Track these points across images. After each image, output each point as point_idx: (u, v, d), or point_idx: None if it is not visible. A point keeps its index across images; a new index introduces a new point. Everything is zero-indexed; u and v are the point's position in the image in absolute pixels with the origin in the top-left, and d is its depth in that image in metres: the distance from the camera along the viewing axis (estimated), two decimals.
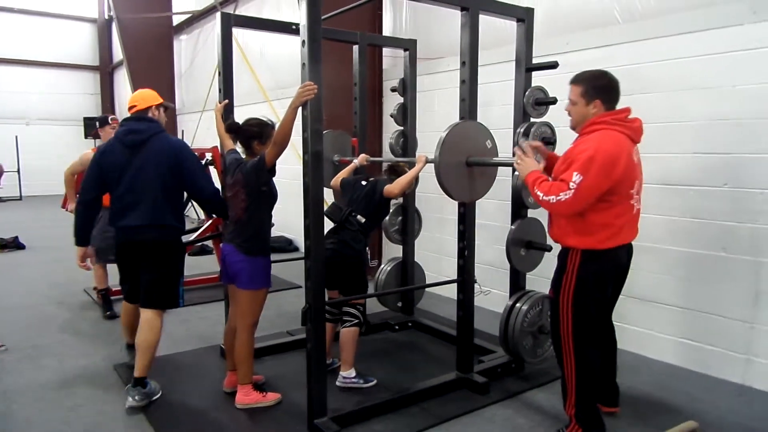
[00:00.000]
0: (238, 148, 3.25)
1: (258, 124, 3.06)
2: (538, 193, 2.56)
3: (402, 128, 4.59)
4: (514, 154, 2.82)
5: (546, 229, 3.01)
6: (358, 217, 3.43)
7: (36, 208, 13.31)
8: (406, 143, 4.57)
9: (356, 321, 3.39)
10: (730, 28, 3.35)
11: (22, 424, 3.02)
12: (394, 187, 3.32)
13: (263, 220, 3.10)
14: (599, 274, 2.60)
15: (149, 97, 3.32)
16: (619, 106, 2.63)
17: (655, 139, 3.73)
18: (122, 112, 16.49)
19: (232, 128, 3.12)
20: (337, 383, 3.37)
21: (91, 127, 16.53)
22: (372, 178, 3.63)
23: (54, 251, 7.78)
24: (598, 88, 2.58)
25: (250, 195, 3.00)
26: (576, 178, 2.42)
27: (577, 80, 2.65)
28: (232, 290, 3.23)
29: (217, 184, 5.36)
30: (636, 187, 2.56)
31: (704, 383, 3.45)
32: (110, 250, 4.85)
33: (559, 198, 2.47)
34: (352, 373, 3.39)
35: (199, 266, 6.79)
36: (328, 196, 3.51)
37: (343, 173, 3.80)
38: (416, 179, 3.52)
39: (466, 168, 2.99)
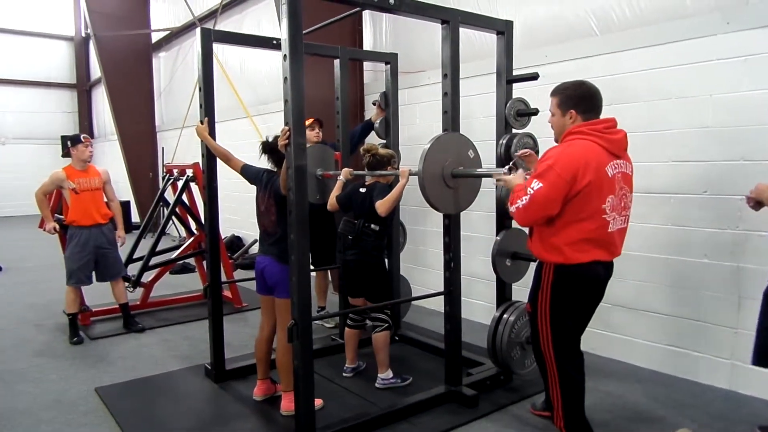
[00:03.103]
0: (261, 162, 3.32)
1: None
2: (510, 206, 2.57)
3: (385, 141, 4.60)
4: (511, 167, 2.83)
5: None
6: (372, 226, 3.49)
7: (12, 228, 13.04)
8: None
9: (386, 325, 3.56)
10: (704, 38, 3.42)
11: None
12: (383, 205, 3.31)
13: None
14: (572, 289, 2.54)
15: None
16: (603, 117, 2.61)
17: (635, 148, 3.75)
18: (100, 130, 16.32)
19: (268, 149, 3.23)
20: (377, 385, 3.56)
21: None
22: (368, 183, 3.62)
23: (31, 273, 7.61)
24: (573, 97, 2.55)
25: (280, 209, 3.07)
26: (534, 185, 2.39)
27: (554, 91, 2.64)
28: (268, 301, 3.30)
29: (199, 201, 5.31)
30: (610, 202, 2.42)
31: (692, 389, 3.47)
32: (84, 271, 4.75)
33: (516, 206, 2.46)
34: (390, 374, 3.58)
35: (182, 285, 6.69)
36: None
37: (335, 192, 3.78)
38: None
39: (451, 180, 2.98)
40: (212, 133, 3.61)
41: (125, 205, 12.24)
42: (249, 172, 3.39)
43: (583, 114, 2.52)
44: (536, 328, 2.67)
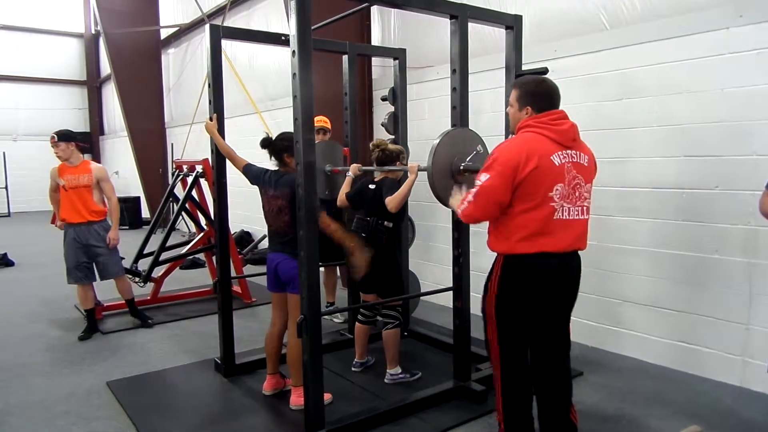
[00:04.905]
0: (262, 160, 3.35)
1: (288, 138, 3.13)
2: (457, 210, 2.57)
3: (393, 137, 4.59)
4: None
5: None
6: (385, 223, 3.50)
7: (25, 224, 13.18)
8: None
9: (397, 322, 3.59)
10: (716, 32, 3.38)
11: None
12: (393, 201, 3.32)
13: None
14: (518, 281, 2.48)
15: None
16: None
17: (645, 143, 3.76)
18: (110, 126, 16.43)
19: (265, 144, 3.30)
20: (386, 380, 3.60)
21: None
22: (377, 179, 3.62)
23: (44, 268, 7.68)
24: (530, 94, 2.52)
25: (294, 209, 3.01)
26: (482, 177, 2.42)
27: (515, 84, 2.63)
28: (280, 297, 3.33)
29: (209, 197, 5.33)
30: (559, 191, 2.38)
31: (703, 386, 3.45)
32: (79, 269, 4.67)
33: (468, 200, 2.46)
34: (399, 370, 3.62)
35: (192, 280, 6.73)
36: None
37: (344, 188, 3.79)
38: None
39: (460, 175, 2.98)
40: (221, 129, 3.63)
41: (135, 201, 12.39)
42: (250, 172, 3.40)
43: (538, 111, 2.51)
44: (484, 318, 2.61)
